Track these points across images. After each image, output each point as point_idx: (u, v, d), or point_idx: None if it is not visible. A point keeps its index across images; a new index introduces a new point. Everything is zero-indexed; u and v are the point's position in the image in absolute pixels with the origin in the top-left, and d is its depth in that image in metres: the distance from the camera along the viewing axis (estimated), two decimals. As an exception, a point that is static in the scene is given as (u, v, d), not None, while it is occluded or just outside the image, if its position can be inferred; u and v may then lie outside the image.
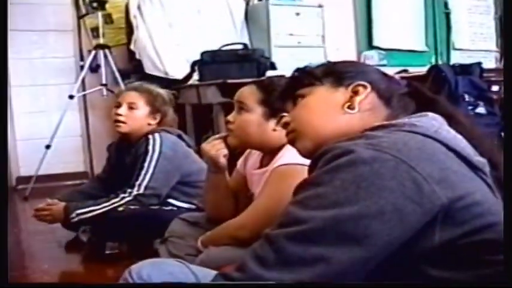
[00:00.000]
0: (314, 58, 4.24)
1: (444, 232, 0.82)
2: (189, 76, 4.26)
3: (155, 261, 1.10)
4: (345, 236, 0.79)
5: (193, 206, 2.46)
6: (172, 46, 4.49)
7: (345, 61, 1.14)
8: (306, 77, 1.09)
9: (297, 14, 4.74)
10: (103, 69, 4.23)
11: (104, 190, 2.61)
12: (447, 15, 5.97)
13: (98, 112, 4.70)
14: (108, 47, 4.28)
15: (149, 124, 2.56)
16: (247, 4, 4.89)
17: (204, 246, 1.72)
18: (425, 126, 0.90)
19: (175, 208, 2.45)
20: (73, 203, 2.45)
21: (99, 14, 4.27)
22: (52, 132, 4.05)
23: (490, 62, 5.67)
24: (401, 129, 0.89)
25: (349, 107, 1.02)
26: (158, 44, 4.44)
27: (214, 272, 1.01)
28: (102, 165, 2.94)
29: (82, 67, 4.46)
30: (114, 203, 2.34)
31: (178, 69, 4.39)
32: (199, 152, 2.20)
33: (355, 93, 1.03)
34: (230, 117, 1.76)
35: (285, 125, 1.13)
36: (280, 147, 1.65)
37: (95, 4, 4.23)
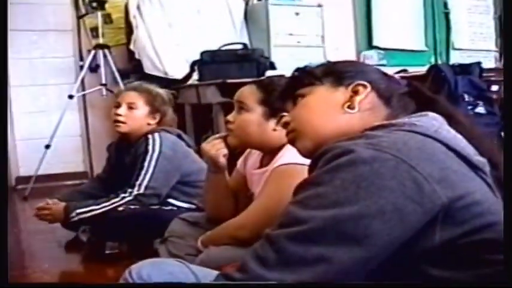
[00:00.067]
0: (313, 58, 4.24)
1: (444, 232, 0.82)
2: (188, 76, 4.26)
3: (155, 261, 1.09)
4: (345, 236, 0.79)
5: (193, 206, 2.46)
6: (171, 46, 4.48)
7: (344, 61, 1.14)
8: (306, 77, 1.09)
9: (297, 13, 4.73)
10: (102, 69, 4.23)
11: (104, 190, 2.61)
12: (447, 15, 5.97)
13: (97, 112, 4.70)
14: (108, 47, 4.28)
15: (149, 124, 2.56)
16: (246, 4, 4.88)
17: (204, 246, 1.72)
18: (425, 126, 0.90)
19: (175, 208, 2.45)
20: (73, 203, 2.45)
21: (99, 13, 4.27)
22: (52, 132, 4.04)
23: (490, 61, 5.67)
24: (401, 129, 0.89)
25: (349, 107, 1.02)
26: (158, 43, 4.44)
27: (214, 272, 1.01)
28: (102, 165, 2.94)
29: (82, 67, 4.46)
30: (114, 203, 2.34)
31: (177, 69, 4.39)
32: (199, 151, 2.20)
33: (355, 92, 1.03)
34: (230, 117, 1.76)
35: (285, 125, 1.13)
36: (280, 147, 1.65)
37: (94, 4, 4.23)
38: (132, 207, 2.34)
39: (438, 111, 0.98)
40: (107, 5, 4.37)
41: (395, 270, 0.84)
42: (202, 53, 4.09)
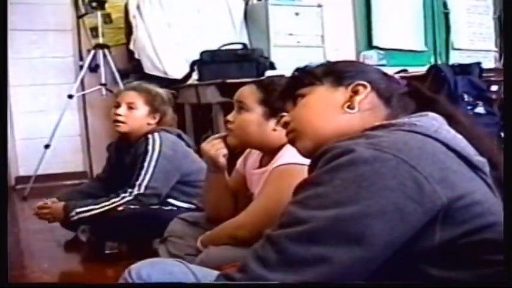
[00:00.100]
0: (313, 58, 4.21)
1: (444, 232, 0.82)
2: (188, 76, 4.26)
3: (155, 261, 1.09)
4: (347, 236, 0.79)
5: (193, 206, 2.46)
6: (171, 46, 4.48)
7: (344, 61, 1.14)
8: (306, 77, 1.09)
9: (296, 13, 4.73)
10: (102, 69, 4.23)
11: (104, 190, 2.61)
12: (446, 15, 5.98)
13: (97, 112, 4.70)
14: (108, 47, 4.28)
15: (149, 124, 2.56)
16: (246, 4, 4.88)
17: (203, 246, 1.72)
18: (425, 126, 0.90)
19: (175, 208, 2.45)
20: (72, 202, 2.45)
21: (99, 13, 4.27)
22: (51, 131, 4.04)
23: (489, 61, 5.67)
24: (401, 129, 0.89)
25: (349, 107, 1.02)
26: (157, 43, 4.44)
27: (214, 272, 1.01)
28: (101, 165, 2.94)
29: (81, 67, 4.46)
30: (114, 202, 2.34)
31: (177, 69, 4.39)
32: (198, 151, 2.20)
33: (355, 92, 1.03)
34: (230, 117, 1.75)
35: (285, 125, 1.12)
36: (280, 147, 1.65)
37: (94, 4, 4.22)
38: (132, 207, 2.34)
39: (438, 111, 0.98)
40: (106, 5, 4.37)
41: (395, 270, 0.84)
42: (202, 53, 4.09)
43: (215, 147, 1.80)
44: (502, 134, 2.38)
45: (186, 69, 4.27)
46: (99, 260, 2.34)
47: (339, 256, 0.79)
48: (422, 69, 3.47)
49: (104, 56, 4.22)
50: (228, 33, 4.64)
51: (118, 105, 2.55)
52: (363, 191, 0.80)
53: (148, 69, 4.43)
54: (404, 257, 0.83)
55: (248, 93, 1.72)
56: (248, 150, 1.90)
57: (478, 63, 3.40)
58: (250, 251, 0.85)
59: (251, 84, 1.76)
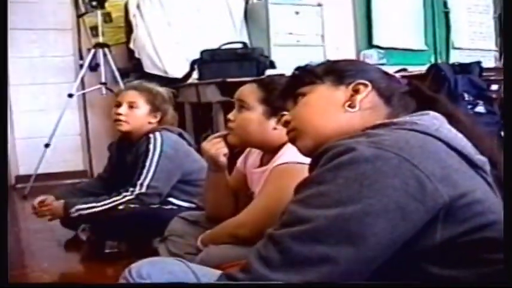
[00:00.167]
0: (313, 57, 4.23)
1: (445, 230, 0.82)
2: (188, 75, 4.26)
3: (155, 260, 1.09)
4: (349, 235, 0.79)
5: (193, 205, 2.45)
6: (171, 45, 4.49)
7: (345, 60, 1.14)
8: (306, 76, 1.09)
9: (297, 12, 4.73)
10: (102, 68, 4.23)
11: (105, 189, 2.60)
12: (446, 14, 5.98)
13: (97, 111, 4.70)
14: (108, 46, 4.28)
15: (150, 123, 2.56)
16: (246, 3, 4.89)
17: (204, 245, 1.71)
18: (426, 125, 0.90)
19: (175, 207, 2.45)
20: (73, 199, 2.45)
21: (99, 12, 4.27)
22: (51, 130, 4.04)
23: (490, 61, 5.68)
24: (403, 128, 0.89)
25: (349, 106, 1.02)
26: (157, 42, 4.44)
27: (214, 271, 1.01)
28: (101, 164, 2.93)
29: (81, 66, 4.45)
30: (115, 201, 2.34)
31: (177, 68, 4.39)
32: (198, 150, 2.19)
33: (356, 91, 1.03)
34: (231, 116, 1.75)
35: (286, 124, 1.12)
36: (280, 146, 1.64)
37: (94, 3, 4.22)
38: (132, 206, 2.34)
39: (438, 110, 0.98)
40: (106, 4, 4.36)
41: (395, 269, 0.84)
42: (202, 52, 4.09)
43: (215, 146, 1.80)
44: (502, 133, 2.38)
45: (186, 68, 4.27)
46: (99, 259, 2.34)
47: (343, 255, 0.79)
48: (422, 68, 3.47)
49: (104, 55, 4.22)
50: (228, 32, 4.64)
51: (119, 105, 2.55)
52: (364, 190, 0.80)
53: (149, 68, 4.44)
54: (405, 255, 0.83)
55: (249, 92, 1.72)
56: (248, 149, 1.90)
57: (478, 63, 3.40)
58: (253, 251, 0.85)
59: (252, 83, 1.76)
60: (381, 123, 0.94)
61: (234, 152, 1.89)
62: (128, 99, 2.55)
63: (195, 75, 4.17)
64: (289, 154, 1.54)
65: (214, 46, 4.16)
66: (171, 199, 2.47)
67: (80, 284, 2.15)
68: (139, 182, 2.36)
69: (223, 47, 4.17)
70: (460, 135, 0.92)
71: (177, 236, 1.90)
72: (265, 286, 0.80)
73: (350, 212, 0.79)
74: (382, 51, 5.36)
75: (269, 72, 3.71)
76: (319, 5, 4.83)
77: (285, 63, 3.93)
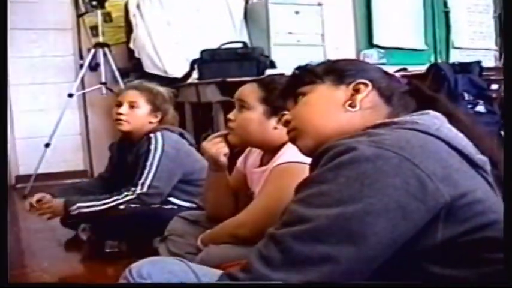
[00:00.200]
0: (313, 57, 4.21)
1: (446, 230, 0.82)
2: (188, 74, 4.26)
3: (155, 260, 1.09)
4: (351, 234, 0.79)
5: (194, 205, 2.45)
6: (171, 44, 4.48)
7: (345, 59, 1.14)
8: (307, 75, 1.09)
9: (297, 12, 4.73)
10: (102, 68, 4.23)
11: (105, 189, 2.60)
12: (446, 14, 5.97)
13: (97, 110, 4.70)
14: (108, 46, 4.28)
15: (150, 122, 2.56)
16: (246, 3, 4.88)
17: (204, 244, 1.71)
18: (427, 124, 0.90)
19: (175, 207, 2.44)
20: (74, 198, 2.44)
21: (99, 12, 4.27)
22: (51, 130, 4.04)
23: (490, 60, 5.68)
24: (403, 127, 0.89)
25: (350, 105, 1.02)
26: (157, 42, 4.44)
27: (214, 271, 1.01)
28: (102, 163, 2.93)
29: (81, 66, 4.45)
30: (116, 200, 2.33)
31: (177, 68, 4.39)
32: (199, 150, 2.19)
33: (356, 91, 1.03)
34: (231, 115, 1.75)
35: (286, 123, 1.12)
36: (280, 146, 1.64)
37: (94, 3, 4.22)
38: (133, 205, 2.34)
39: (439, 110, 0.98)
40: (106, 4, 4.36)
41: (396, 268, 0.84)
42: (202, 52, 4.09)
43: (216, 146, 1.80)
44: (502, 133, 2.38)
45: (186, 68, 4.27)
46: (99, 259, 2.34)
47: (344, 255, 0.79)
48: (422, 68, 3.47)
49: (104, 54, 4.22)
50: (228, 32, 4.64)
51: (120, 104, 2.55)
52: (365, 189, 0.80)
53: (149, 67, 4.43)
54: (406, 254, 0.83)
55: (249, 92, 1.72)
56: (248, 148, 1.90)
57: (478, 62, 3.39)
58: (254, 251, 0.85)
59: (252, 83, 1.76)
60: (382, 122, 0.94)
61: (234, 152, 1.89)
62: (128, 99, 2.55)
63: (195, 75, 4.17)
64: (290, 154, 1.54)
65: (214, 46, 4.16)
66: (172, 199, 2.47)
67: (80, 284, 2.15)
68: (140, 182, 2.36)
69: (223, 47, 4.18)
70: (460, 134, 0.92)
71: (177, 235, 1.90)
72: (266, 286, 0.80)
73: (351, 211, 0.79)
74: (382, 50, 5.37)
75: (269, 71, 3.71)
76: (319, 4, 4.83)
77: (285, 63, 3.93)
